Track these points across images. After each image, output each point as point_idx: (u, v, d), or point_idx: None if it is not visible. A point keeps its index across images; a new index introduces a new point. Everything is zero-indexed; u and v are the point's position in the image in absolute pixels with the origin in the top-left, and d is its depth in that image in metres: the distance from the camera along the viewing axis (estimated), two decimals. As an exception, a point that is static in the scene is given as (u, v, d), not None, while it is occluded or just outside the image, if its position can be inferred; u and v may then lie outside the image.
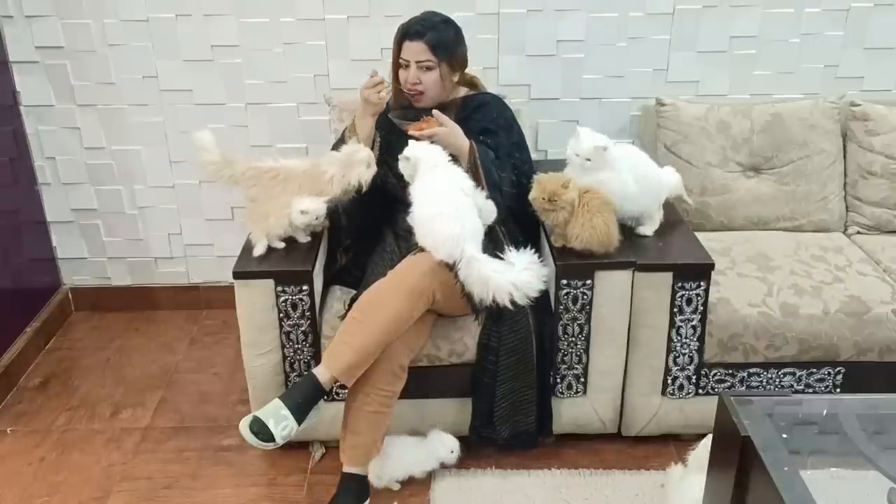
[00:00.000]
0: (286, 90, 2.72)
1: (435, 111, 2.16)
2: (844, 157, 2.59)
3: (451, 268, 1.99)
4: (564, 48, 2.69)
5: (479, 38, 2.63)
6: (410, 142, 2.07)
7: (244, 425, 1.84)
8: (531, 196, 2.06)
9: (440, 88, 2.23)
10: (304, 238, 2.19)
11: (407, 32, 2.18)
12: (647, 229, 2.22)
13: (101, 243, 2.94)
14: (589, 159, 2.09)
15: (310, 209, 2.10)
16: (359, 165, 2.12)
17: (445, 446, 2.12)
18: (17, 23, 2.62)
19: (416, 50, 2.17)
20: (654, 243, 2.20)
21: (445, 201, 1.98)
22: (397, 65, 2.23)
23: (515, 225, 2.24)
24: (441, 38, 2.18)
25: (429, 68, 2.18)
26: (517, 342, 2.08)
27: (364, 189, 2.14)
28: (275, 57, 2.68)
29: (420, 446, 2.13)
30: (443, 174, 2.03)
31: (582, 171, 2.11)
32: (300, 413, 1.86)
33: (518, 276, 1.98)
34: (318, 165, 2.16)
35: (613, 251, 2.07)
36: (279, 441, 1.84)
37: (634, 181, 2.15)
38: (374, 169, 2.14)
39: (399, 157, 2.06)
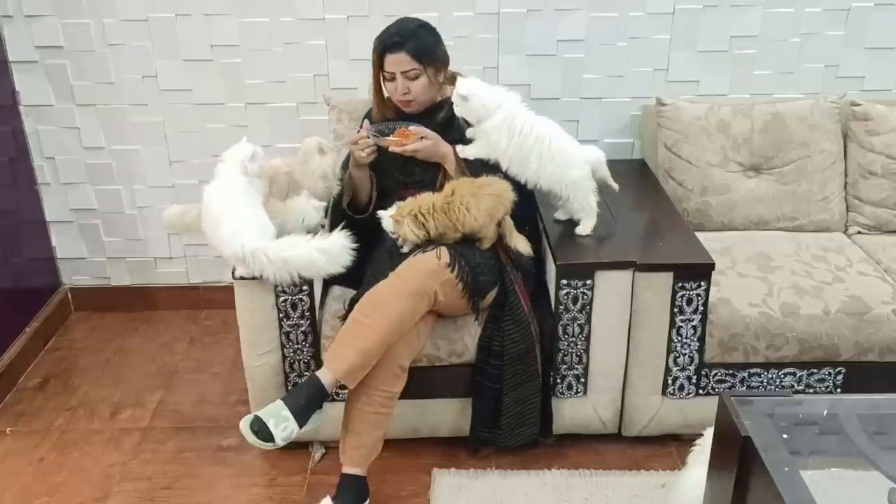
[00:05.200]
0: (286, 90, 2.72)
1: (413, 125, 2.13)
2: (845, 156, 2.59)
3: (451, 269, 2.00)
4: (564, 48, 2.68)
5: (479, 37, 2.62)
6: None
7: (244, 424, 1.84)
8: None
9: (429, 93, 2.21)
10: (325, 190, 2.18)
11: (387, 45, 2.15)
12: (584, 228, 2.18)
13: (101, 243, 2.94)
14: (454, 104, 2.12)
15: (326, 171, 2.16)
16: (313, 153, 2.15)
17: None
18: (16, 23, 2.62)
19: (399, 61, 2.14)
20: (654, 243, 2.20)
21: (220, 203, 2.00)
22: (379, 77, 2.21)
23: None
24: (420, 44, 2.15)
25: (416, 76, 2.16)
26: (521, 352, 2.08)
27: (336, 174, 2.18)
28: (275, 57, 2.67)
29: None
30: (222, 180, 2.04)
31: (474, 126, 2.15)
32: (302, 415, 1.85)
33: (321, 242, 1.97)
34: (304, 161, 2.18)
35: (510, 196, 2.08)
36: (279, 442, 1.83)
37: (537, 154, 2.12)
38: (330, 154, 2.17)
39: None
